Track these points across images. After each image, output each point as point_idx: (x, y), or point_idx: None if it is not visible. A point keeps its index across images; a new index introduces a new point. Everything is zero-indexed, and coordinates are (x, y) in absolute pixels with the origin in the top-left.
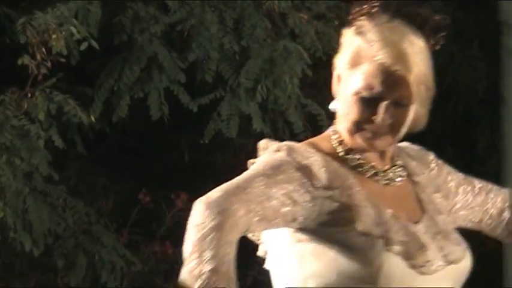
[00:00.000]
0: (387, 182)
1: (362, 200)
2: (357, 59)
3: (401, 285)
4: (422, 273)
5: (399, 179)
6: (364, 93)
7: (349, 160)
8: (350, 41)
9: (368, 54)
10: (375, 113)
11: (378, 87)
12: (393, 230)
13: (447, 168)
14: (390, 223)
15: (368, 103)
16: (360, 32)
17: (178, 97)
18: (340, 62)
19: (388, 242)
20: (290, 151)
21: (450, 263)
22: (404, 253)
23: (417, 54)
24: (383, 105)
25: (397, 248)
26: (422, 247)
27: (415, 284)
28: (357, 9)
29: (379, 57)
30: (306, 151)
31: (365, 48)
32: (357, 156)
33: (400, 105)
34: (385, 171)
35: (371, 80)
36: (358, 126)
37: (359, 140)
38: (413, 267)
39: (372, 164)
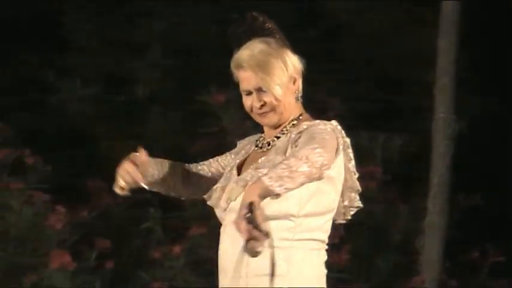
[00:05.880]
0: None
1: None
2: None
3: (220, 218)
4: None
5: (268, 147)
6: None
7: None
8: None
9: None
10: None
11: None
12: (215, 187)
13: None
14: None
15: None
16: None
17: None
18: None
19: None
20: None
21: (230, 201)
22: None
23: (252, 55)
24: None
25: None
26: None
27: (223, 217)
28: None
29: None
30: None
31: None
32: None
33: (262, 91)
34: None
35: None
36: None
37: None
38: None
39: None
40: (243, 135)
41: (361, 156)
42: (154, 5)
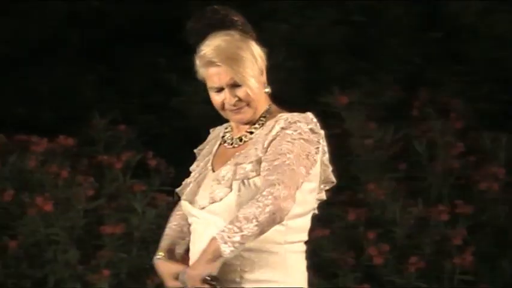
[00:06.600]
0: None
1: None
2: None
3: (191, 214)
4: (199, 208)
5: (239, 143)
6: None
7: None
8: None
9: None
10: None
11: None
12: (188, 181)
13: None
14: (190, 178)
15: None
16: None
17: None
18: None
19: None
20: None
21: (213, 201)
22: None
23: (220, 49)
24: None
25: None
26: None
27: (198, 215)
28: None
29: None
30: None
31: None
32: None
33: (236, 86)
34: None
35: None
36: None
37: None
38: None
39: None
40: (366, 137)
41: (484, 158)
42: (278, 7)
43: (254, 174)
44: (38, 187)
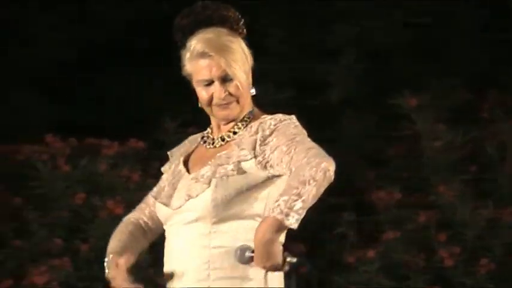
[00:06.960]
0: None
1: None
2: None
3: (166, 218)
4: (174, 209)
5: (221, 142)
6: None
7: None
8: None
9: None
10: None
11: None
12: (162, 185)
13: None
14: (164, 182)
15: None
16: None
17: None
18: None
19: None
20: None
21: (190, 198)
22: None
23: (212, 40)
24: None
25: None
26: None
27: (174, 216)
28: None
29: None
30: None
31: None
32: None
33: (226, 80)
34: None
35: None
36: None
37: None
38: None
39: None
40: (436, 139)
41: None
42: (347, 9)
43: (234, 173)
44: (109, 190)
